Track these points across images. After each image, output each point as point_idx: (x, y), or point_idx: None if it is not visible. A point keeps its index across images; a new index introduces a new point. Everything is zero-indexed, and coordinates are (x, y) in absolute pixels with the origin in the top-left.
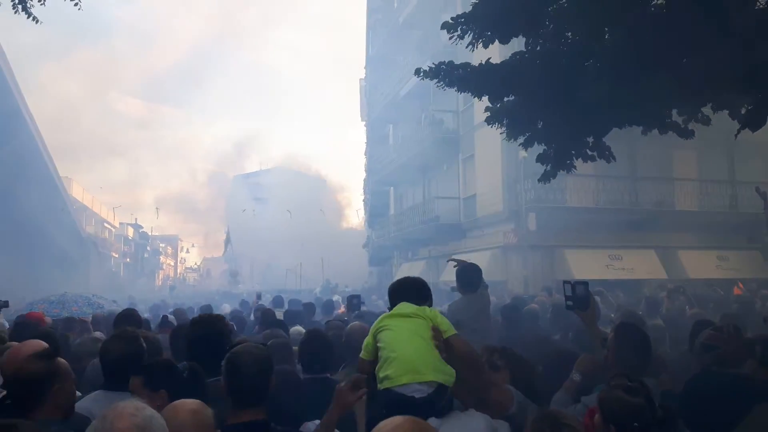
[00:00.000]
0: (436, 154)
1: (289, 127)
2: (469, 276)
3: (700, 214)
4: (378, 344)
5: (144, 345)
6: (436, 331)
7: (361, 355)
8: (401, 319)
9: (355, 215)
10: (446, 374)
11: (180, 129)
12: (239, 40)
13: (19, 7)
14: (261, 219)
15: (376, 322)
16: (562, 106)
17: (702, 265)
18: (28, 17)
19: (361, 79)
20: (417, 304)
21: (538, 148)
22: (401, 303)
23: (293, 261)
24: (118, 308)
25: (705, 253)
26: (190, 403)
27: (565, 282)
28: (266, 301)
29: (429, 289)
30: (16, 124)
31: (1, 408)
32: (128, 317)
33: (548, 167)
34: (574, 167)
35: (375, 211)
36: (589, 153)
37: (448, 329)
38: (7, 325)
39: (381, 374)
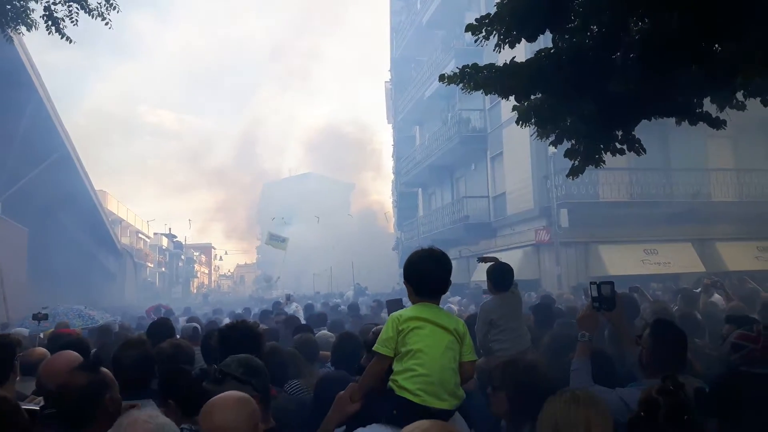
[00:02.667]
0: (464, 153)
1: (317, 133)
2: (500, 275)
3: (738, 204)
4: (402, 342)
5: (150, 351)
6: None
7: (380, 350)
8: (439, 330)
9: (384, 218)
10: (459, 399)
11: (209, 138)
12: (267, 49)
13: (53, 28)
14: (291, 225)
15: (402, 316)
16: (590, 101)
17: (741, 256)
18: (62, 38)
19: (386, 82)
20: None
21: (567, 144)
22: (434, 306)
23: (324, 266)
24: (113, 320)
25: (744, 244)
26: (233, 393)
27: (591, 282)
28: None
29: None
30: (52, 141)
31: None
32: (161, 326)
33: (576, 162)
34: (603, 162)
35: (404, 213)
36: (618, 146)
37: (471, 353)
38: (26, 332)
39: (400, 380)
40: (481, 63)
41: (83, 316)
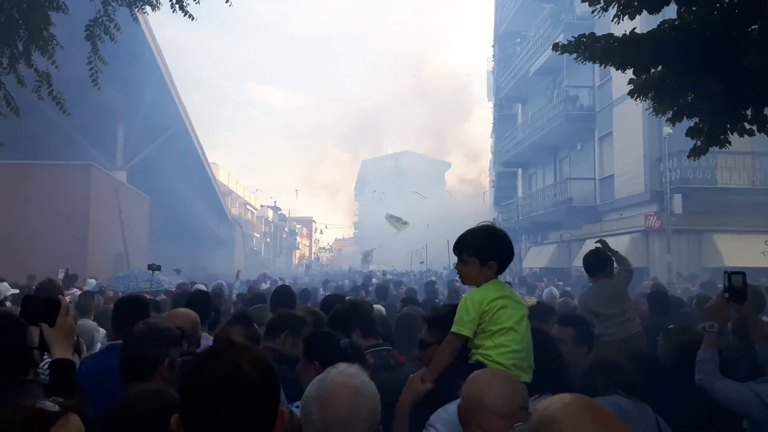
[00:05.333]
0: (570, 132)
1: (417, 110)
2: (592, 262)
3: None
4: (491, 321)
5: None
6: None
7: (462, 331)
8: (519, 306)
9: (482, 198)
10: (533, 372)
11: (313, 115)
12: (368, 27)
13: (177, 6)
14: (389, 201)
15: (486, 298)
16: (718, 76)
17: None
18: (185, 15)
19: (488, 58)
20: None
21: (684, 124)
22: (505, 283)
23: (419, 243)
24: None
25: None
26: (503, 373)
27: (724, 272)
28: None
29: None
30: (171, 115)
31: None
32: (283, 293)
33: (698, 142)
34: (729, 143)
35: (501, 193)
36: (747, 127)
37: None
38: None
39: (494, 355)
40: None
41: (150, 280)
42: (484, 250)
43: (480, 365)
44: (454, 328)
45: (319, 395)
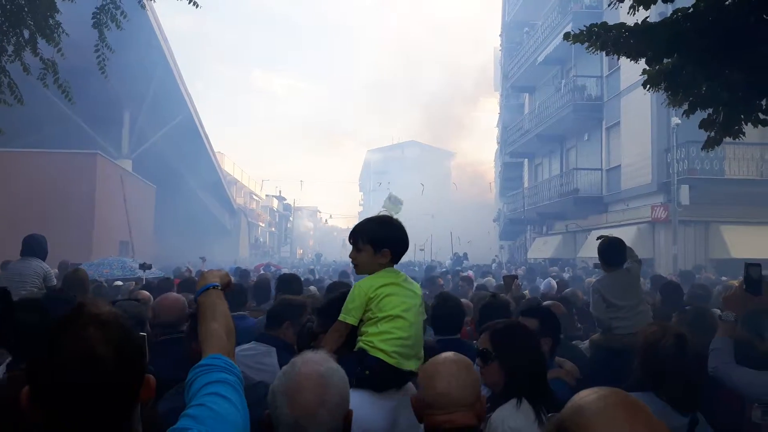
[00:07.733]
0: (577, 122)
1: (421, 100)
2: (611, 252)
3: None
4: (378, 308)
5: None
6: None
7: (347, 319)
8: (410, 294)
9: (488, 188)
10: (421, 361)
11: (318, 104)
12: (374, 14)
13: None
14: (393, 191)
15: (373, 285)
16: (737, 65)
17: None
18: (189, 2)
19: (495, 48)
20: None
21: (699, 114)
22: (399, 271)
23: (425, 235)
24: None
25: None
26: (451, 356)
27: (745, 263)
28: None
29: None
30: (177, 104)
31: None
32: (290, 281)
33: (712, 133)
34: (743, 133)
35: (507, 183)
36: (762, 117)
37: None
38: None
39: (376, 341)
40: None
41: (125, 268)
42: (378, 237)
43: (363, 353)
44: (340, 316)
45: (286, 389)
